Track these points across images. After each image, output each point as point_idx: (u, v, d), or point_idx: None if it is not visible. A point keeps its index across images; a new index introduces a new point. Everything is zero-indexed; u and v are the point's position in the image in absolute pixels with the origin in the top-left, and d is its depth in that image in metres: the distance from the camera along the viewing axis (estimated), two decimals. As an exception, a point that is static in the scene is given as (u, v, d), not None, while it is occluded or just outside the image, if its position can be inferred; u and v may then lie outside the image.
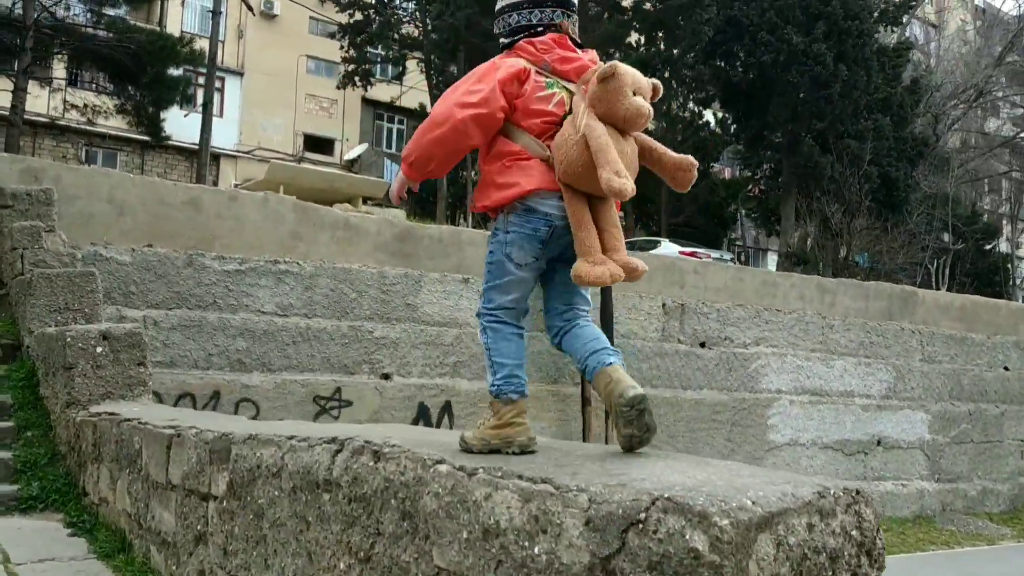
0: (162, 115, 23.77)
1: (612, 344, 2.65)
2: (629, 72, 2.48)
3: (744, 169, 34.12)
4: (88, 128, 31.22)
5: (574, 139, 2.43)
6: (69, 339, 6.63)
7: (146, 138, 32.88)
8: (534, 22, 2.73)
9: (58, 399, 6.78)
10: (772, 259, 44.04)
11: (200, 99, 27.87)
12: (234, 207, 12.45)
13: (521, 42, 2.72)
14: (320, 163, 36.58)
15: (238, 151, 34.89)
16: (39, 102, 30.01)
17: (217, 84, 30.26)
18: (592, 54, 2.81)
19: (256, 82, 35.60)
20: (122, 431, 5.42)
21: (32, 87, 23.26)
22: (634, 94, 2.46)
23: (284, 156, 35.71)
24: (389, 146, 38.67)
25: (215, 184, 31.29)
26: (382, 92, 36.12)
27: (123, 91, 22.87)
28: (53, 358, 7.01)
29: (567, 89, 2.65)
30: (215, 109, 35.55)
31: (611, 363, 2.49)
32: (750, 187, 33.57)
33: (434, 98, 36.30)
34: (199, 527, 4.16)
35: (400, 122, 38.91)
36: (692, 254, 24.17)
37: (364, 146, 37.74)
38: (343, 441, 3.03)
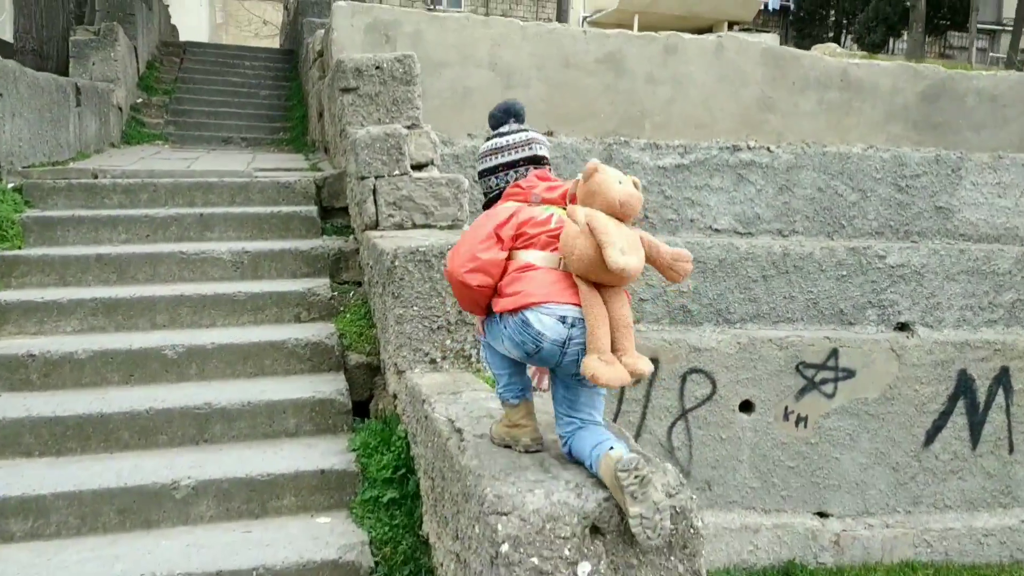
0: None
1: None
2: (610, 169, 2.46)
3: None
4: (431, -35, 27.63)
5: (577, 230, 2.34)
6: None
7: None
8: (511, 182, 2.74)
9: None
10: None
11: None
12: (672, 64, 7.40)
13: (508, 188, 2.71)
14: (676, -16, 30.23)
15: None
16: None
17: None
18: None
19: None
20: None
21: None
22: (620, 182, 2.42)
23: (637, -21, 29.79)
24: (757, -44, 30.97)
25: (562, 20, 26.50)
26: None
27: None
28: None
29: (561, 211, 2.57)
30: (559, -69, 30.37)
31: (613, 447, 2.29)
32: None
33: None
34: None
35: (771, -76, 30.86)
36: None
37: (727, -41, 30.51)
38: None
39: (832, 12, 30.26)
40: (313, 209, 5.70)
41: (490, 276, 2.49)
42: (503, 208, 2.59)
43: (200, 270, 4.98)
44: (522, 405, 2.63)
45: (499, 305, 2.46)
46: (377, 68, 5.86)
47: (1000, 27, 31.96)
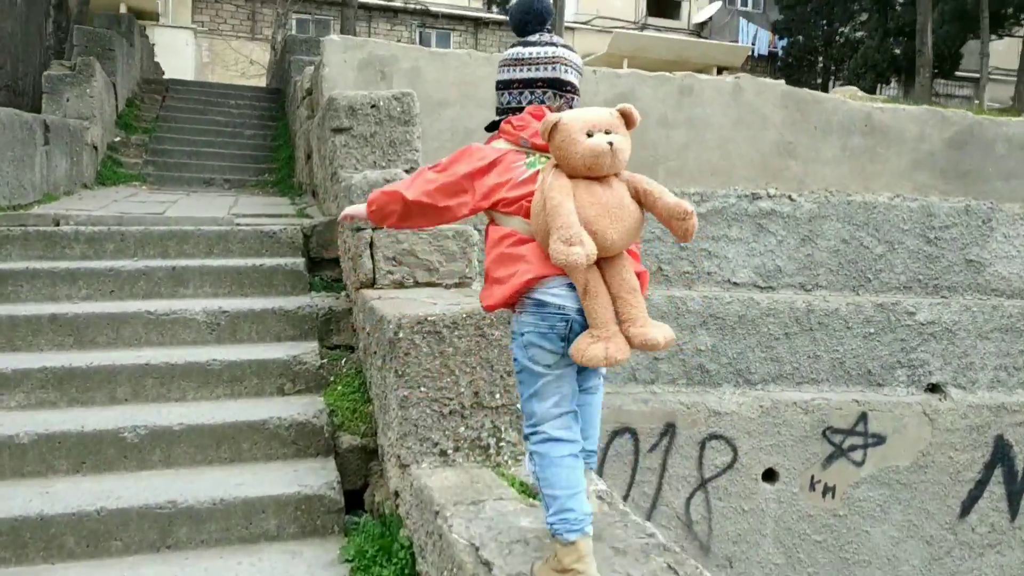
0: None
1: None
2: (576, 117, 2.04)
3: None
4: (420, 7, 27.47)
5: (540, 204, 2.03)
6: None
7: (479, 14, 28.74)
8: (523, 104, 2.37)
9: None
10: None
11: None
12: (687, 106, 6.91)
13: (502, 123, 2.34)
14: (665, 29, 30.29)
15: (576, 22, 29.46)
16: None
17: (558, -59, 24.67)
18: None
19: (594, -62, 29.65)
20: None
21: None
22: (590, 135, 2.00)
23: (625, 24, 29.79)
24: (745, 3, 31.21)
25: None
26: (741, -64, 28.66)
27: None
28: None
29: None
30: (548, -25, 30.42)
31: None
32: None
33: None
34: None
35: (759, -27, 31.09)
36: None
37: (716, 5, 30.66)
38: None
39: (820, 59, 30.29)
40: (300, 261, 5.08)
41: (434, 213, 2.27)
42: (489, 150, 2.27)
43: (170, 333, 4.33)
44: (579, 543, 2.01)
45: (493, 296, 2.13)
46: (373, 106, 5.31)
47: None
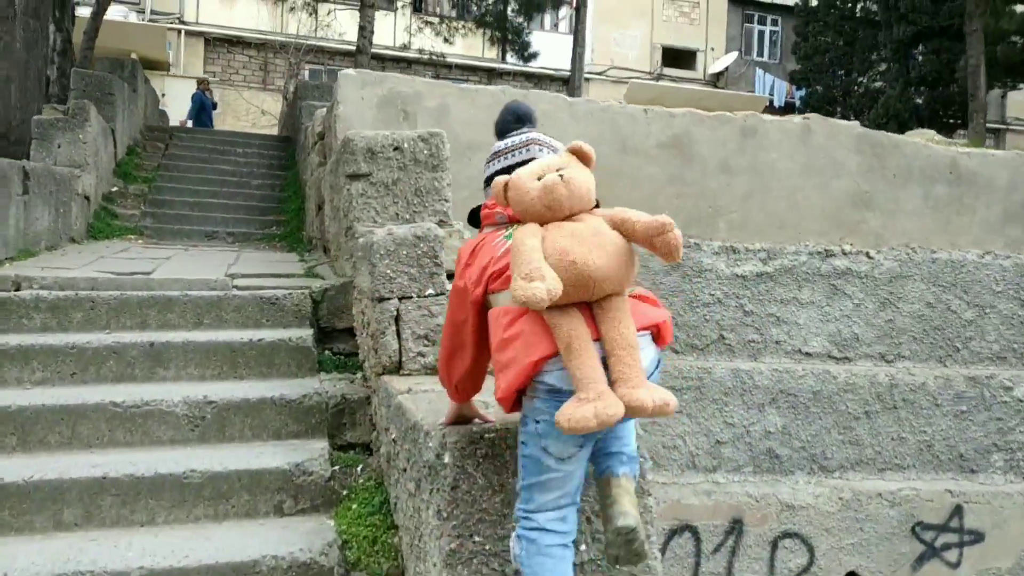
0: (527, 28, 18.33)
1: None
2: (523, 171, 2.08)
3: None
4: (435, 57, 27.00)
5: None
6: None
7: (494, 64, 28.30)
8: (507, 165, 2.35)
9: None
10: None
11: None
12: (750, 150, 6.02)
13: (481, 212, 2.35)
14: (680, 79, 29.79)
15: (590, 73, 28.93)
16: (386, 34, 26.17)
17: (572, -8, 24.28)
18: None
19: (608, -10, 29.30)
20: None
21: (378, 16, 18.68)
22: (540, 179, 2.02)
23: (640, 74, 29.30)
24: (761, 54, 30.72)
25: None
26: (755, -13, 28.33)
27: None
28: None
29: None
30: (563, 27, 30.15)
31: (620, 473, 2.02)
32: None
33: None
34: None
35: (774, 23, 30.72)
36: None
37: (732, 56, 30.16)
38: None
39: (839, 109, 29.68)
40: (307, 334, 4.15)
41: (463, 331, 2.17)
42: (469, 242, 2.26)
43: (141, 430, 3.39)
44: None
45: (501, 388, 1.92)
46: (395, 149, 4.45)
47: (1005, 126, 31.46)
